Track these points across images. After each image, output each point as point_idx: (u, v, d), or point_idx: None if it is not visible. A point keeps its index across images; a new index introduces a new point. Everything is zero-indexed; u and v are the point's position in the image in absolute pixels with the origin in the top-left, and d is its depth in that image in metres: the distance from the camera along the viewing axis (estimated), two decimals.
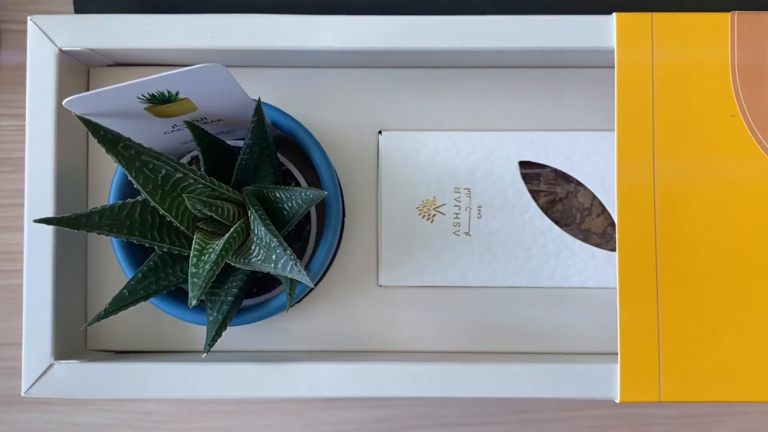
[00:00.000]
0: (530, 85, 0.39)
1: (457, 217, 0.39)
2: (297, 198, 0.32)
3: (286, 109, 0.38)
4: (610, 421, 0.44)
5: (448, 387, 0.35)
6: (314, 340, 0.39)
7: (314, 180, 0.37)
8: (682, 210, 0.35)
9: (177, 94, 0.30)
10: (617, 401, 0.34)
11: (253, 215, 0.32)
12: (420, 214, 0.39)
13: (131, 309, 0.33)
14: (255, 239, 0.32)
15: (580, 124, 0.39)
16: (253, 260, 0.32)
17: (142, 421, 0.45)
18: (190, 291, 0.30)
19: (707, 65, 0.35)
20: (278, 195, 0.33)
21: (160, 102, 0.30)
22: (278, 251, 0.30)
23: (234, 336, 0.39)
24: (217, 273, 0.31)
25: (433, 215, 0.39)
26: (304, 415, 0.45)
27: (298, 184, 0.38)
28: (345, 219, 0.39)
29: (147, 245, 0.33)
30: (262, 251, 0.32)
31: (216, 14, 0.36)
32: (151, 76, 0.28)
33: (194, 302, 0.29)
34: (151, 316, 0.39)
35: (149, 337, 0.39)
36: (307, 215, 0.38)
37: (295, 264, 0.30)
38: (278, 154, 0.38)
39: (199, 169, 0.33)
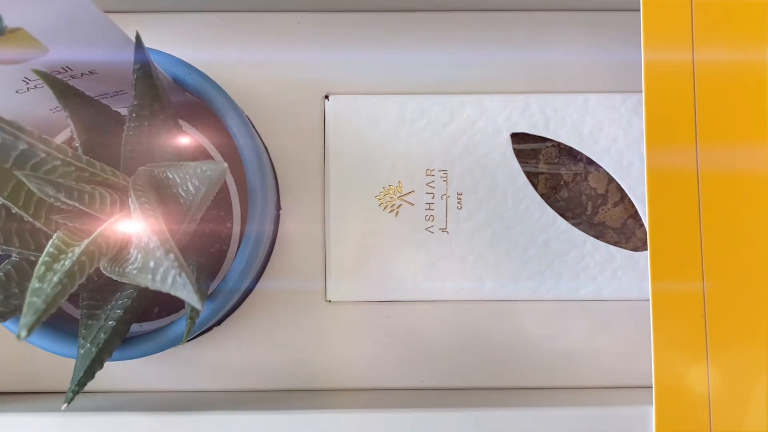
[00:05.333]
0: (525, 33, 0.32)
1: (430, 209, 0.31)
2: (192, 177, 0.23)
3: (201, 67, 0.29)
4: None
5: None
6: (237, 377, 0.31)
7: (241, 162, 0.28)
8: (733, 200, 0.25)
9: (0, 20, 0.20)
10: None
11: (133, 204, 0.23)
12: (381, 204, 0.31)
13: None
14: (134, 239, 0.23)
15: (589, 84, 0.31)
16: (128, 269, 0.22)
17: None
18: (22, 316, 0.20)
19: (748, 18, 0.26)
20: (169, 175, 0.24)
21: None
22: (157, 255, 0.21)
23: (128, 371, 0.30)
24: (72, 289, 0.21)
25: (399, 206, 0.31)
26: None
27: None
28: (280, 212, 0.30)
29: None
30: (140, 255, 0.22)
31: None
32: None
33: (24, 333, 0.20)
34: (26, 349, 0.30)
35: (23, 374, 0.30)
36: (228, 208, 0.29)
37: (179, 274, 0.20)
38: (192, 127, 0.29)
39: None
